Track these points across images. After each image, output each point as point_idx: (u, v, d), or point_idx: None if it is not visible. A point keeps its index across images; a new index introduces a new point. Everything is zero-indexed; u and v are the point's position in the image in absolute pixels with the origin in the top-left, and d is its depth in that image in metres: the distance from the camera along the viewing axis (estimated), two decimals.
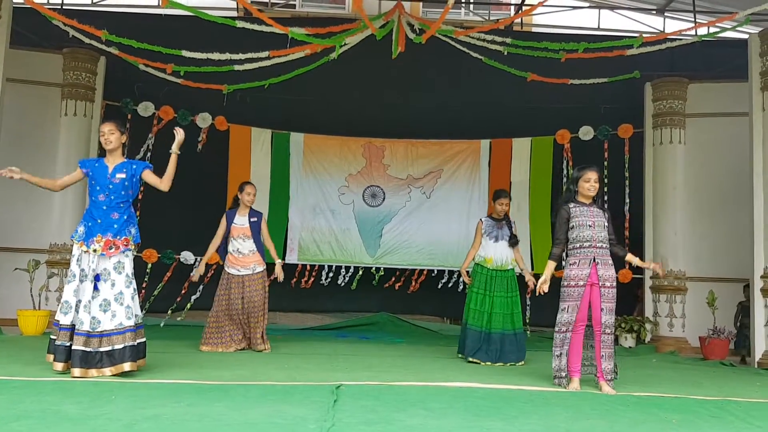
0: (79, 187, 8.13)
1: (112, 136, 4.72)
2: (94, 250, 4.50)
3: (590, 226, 4.77)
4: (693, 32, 8.45)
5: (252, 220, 6.59)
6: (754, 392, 5.10)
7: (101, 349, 4.39)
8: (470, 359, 6.14)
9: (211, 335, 6.41)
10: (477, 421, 3.52)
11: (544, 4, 10.53)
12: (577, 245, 4.77)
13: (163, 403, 3.63)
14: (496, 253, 6.35)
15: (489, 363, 6.08)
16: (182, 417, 3.30)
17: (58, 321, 4.51)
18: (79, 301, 4.45)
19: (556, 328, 4.84)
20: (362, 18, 7.02)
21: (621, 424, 3.64)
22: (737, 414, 3.99)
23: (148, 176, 4.75)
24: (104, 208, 4.60)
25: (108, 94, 9.14)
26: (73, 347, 4.37)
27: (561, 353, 4.81)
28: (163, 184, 4.74)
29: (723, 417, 3.91)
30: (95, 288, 4.48)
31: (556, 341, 4.86)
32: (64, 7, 9.27)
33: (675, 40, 7.59)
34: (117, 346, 4.42)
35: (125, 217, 4.65)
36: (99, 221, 4.57)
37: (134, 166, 4.74)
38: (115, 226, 4.58)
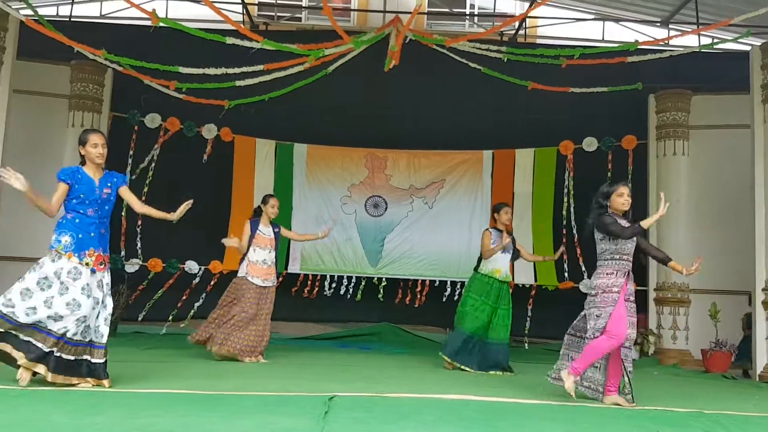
0: None
1: (105, 149, 4.50)
2: (87, 264, 4.36)
3: (632, 240, 4.76)
4: (693, 41, 8.46)
5: (275, 231, 6.65)
6: (752, 406, 5.06)
7: (72, 358, 4.32)
8: (451, 361, 6.30)
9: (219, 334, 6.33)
10: None
11: (549, 16, 10.66)
12: (617, 257, 4.71)
13: (154, 413, 3.65)
14: (504, 265, 6.44)
15: (470, 369, 6.24)
16: (172, 427, 3.32)
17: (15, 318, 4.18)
18: (58, 314, 4.22)
19: (589, 334, 4.69)
20: (364, 28, 7.10)
21: None
22: (730, 428, 3.95)
23: (125, 192, 4.61)
24: (97, 222, 4.45)
25: (115, 106, 9.26)
26: (59, 354, 4.24)
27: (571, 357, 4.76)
28: (139, 207, 4.68)
29: (715, 431, 3.89)
30: (103, 303, 4.44)
31: (571, 344, 4.85)
32: (72, 20, 9.46)
33: (676, 49, 7.60)
34: (98, 360, 4.40)
35: (108, 233, 4.57)
36: (92, 235, 4.42)
37: (115, 179, 4.58)
38: (103, 241, 4.48)
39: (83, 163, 4.50)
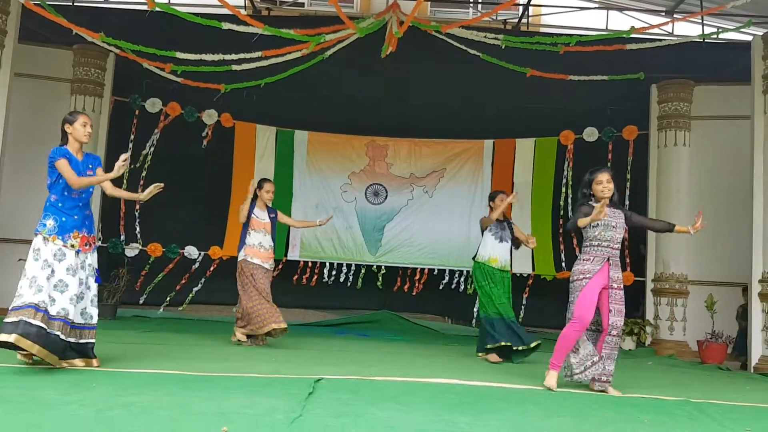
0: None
1: (91, 129, 4.53)
2: (72, 246, 4.34)
3: (614, 227, 4.75)
4: (695, 30, 8.39)
5: (271, 216, 6.65)
6: (741, 396, 5.06)
7: (72, 340, 4.37)
8: (503, 344, 6.07)
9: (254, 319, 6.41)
10: (446, 416, 3.55)
11: (552, 5, 10.59)
12: (595, 243, 4.73)
13: (141, 391, 3.70)
14: (501, 254, 6.38)
15: (521, 346, 6.10)
16: (155, 405, 3.37)
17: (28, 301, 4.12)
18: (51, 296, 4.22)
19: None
20: (367, 15, 7.09)
21: (590, 423, 3.65)
22: (714, 416, 3.98)
23: (100, 174, 4.57)
24: (80, 204, 4.45)
25: (116, 90, 9.30)
26: (66, 339, 4.27)
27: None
28: (111, 189, 4.65)
29: (698, 418, 3.90)
30: (86, 284, 4.44)
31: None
32: (75, 4, 9.49)
33: (675, 38, 7.55)
34: (87, 340, 4.44)
35: (91, 213, 4.58)
36: (75, 217, 4.40)
37: (94, 160, 4.59)
38: (87, 222, 4.49)
39: (65, 143, 4.49)
